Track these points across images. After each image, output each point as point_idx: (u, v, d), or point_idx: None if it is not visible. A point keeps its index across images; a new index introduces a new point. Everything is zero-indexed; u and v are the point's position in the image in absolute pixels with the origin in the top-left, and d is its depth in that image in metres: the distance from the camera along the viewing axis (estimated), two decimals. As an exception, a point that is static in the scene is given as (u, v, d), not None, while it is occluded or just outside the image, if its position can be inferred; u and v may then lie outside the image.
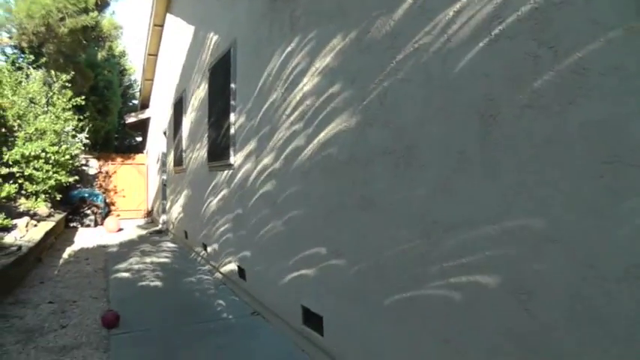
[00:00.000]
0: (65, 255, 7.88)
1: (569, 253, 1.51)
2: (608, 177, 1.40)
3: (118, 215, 14.43)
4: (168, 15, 10.89)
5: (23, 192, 9.95)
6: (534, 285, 1.62)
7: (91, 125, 14.90)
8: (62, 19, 11.73)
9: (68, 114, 11.42)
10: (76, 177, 11.81)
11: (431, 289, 2.12)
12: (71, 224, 12.43)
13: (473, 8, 1.89)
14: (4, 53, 14.10)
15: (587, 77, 1.46)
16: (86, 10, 12.12)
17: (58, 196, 11.14)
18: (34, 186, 10.06)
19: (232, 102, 5.16)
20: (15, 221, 7.42)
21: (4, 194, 8.10)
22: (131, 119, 15.25)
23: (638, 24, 1.33)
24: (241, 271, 4.89)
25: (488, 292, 1.81)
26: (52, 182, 10.40)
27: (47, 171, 10.27)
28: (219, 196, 5.83)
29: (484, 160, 1.85)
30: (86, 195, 13.23)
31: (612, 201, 1.39)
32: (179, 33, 9.18)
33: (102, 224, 12.51)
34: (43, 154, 10.15)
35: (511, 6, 1.72)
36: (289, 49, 3.64)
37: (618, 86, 1.38)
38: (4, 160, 9.42)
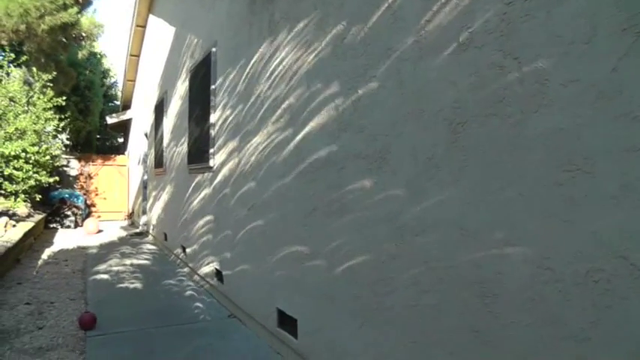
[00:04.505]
0: (44, 256, 7.77)
1: (528, 257, 1.56)
2: (567, 185, 1.45)
3: (99, 217, 14.28)
4: (150, 16, 10.82)
5: (2, 192, 9.81)
6: (497, 287, 1.67)
7: (72, 126, 14.74)
8: (41, 16, 11.57)
9: (49, 114, 11.29)
10: (57, 178, 11.66)
11: (400, 292, 2.16)
12: (51, 225, 12.25)
13: (444, 18, 1.93)
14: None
15: (549, 88, 1.51)
16: (65, 7, 11.97)
17: (38, 197, 11.00)
18: (14, 186, 9.92)
19: (212, 104, 5.16)
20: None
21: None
22: (112, 120, 15.10)
23: (595, 41, 1.39)
24: (219, 274, 4.89)
25: (456, 294, 1.85)
26: (31, 182, 10.27)
27: (27, 171, 10.13)
28: (199, 199, 5.82)
29: (451, 165, 1.89)
30: (66, 196, 13.06)
31: (570, 208, 1.44)
32: (161, 34, 9.13)
33: (82, 226, 12.29)
34: (24, 154, 10.01)
35: (479, 16, 1.77)
36: (268, 52, 3.66)
37: (576, 97, 1.43)
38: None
